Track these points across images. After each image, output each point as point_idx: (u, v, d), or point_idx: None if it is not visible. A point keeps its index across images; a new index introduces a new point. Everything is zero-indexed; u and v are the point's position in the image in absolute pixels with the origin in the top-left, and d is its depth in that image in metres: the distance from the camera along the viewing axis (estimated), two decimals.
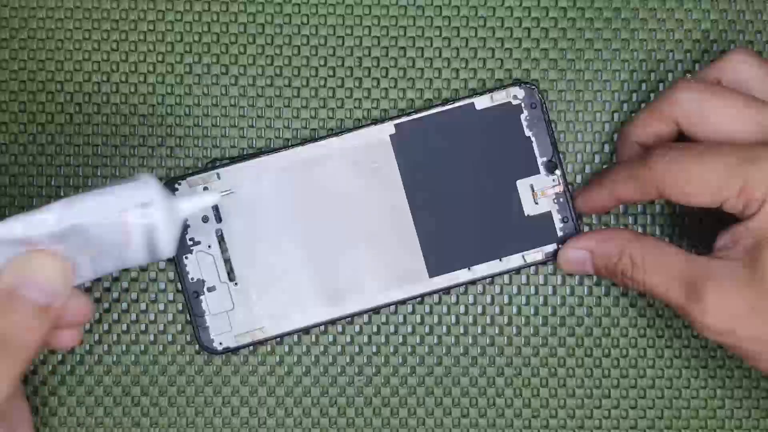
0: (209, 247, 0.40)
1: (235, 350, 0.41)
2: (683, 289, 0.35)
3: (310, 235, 0.40)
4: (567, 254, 0.39)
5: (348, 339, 0.42)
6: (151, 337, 0.42)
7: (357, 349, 0.42)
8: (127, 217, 0.31)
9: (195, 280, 0.40)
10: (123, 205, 0.31)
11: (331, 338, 0.42)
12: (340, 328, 0.42)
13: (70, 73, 0.42)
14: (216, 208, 0.40)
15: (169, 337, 0.42)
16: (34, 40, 0.42)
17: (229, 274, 0.40)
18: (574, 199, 0.40)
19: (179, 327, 0.42)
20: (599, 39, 0.42)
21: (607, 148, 0.42)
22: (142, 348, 0.42)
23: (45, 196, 0.42)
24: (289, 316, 0.40)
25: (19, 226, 0.31)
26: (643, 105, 0.42)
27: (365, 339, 0.41)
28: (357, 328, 0.42)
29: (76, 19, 0.42)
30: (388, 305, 0.40)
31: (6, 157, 0.42)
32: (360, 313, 0.40)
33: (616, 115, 0.42)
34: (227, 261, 0.40)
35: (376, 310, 0.41)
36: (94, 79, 0.42)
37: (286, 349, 0.42)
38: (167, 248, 0.32)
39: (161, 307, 0.42)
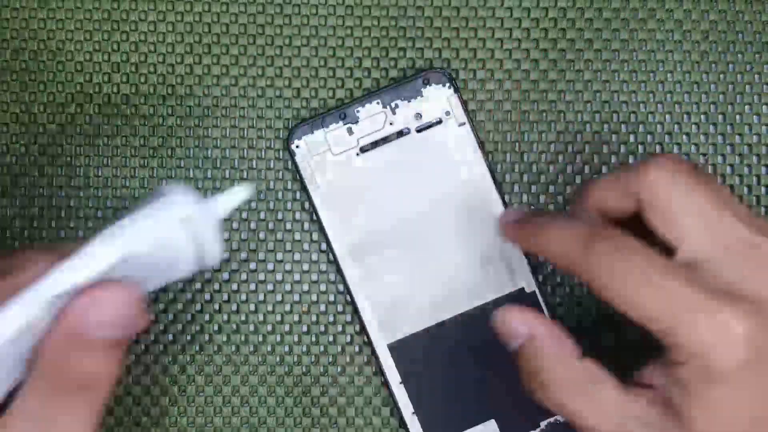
0: None
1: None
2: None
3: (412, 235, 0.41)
4: (506, 318, 0.35)
5: (348, 339, 0.42)
6: (153, 337, 0.42)
7: (357, 349, 0.42)
8: (171, 238, 0.29)
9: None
10: (165, 227, 0.29)
11: (331, 338, 0.42)
12: (340, 328, 0.42)
13: (71, 73, 0.42)
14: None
15: (170, 337, 0.42)
16: (35, 41, 0.42)
17: None
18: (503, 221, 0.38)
19: (180, 327, 0.42)
20: (599, 39, 0.42)
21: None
22: (143, 348, 0.42)
23: (46, 196, 0.42)
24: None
25: (64, 277, 0.28)
26: (642, 105, 0.42)
27: (365, 339, 0.41)
28: (357, 328, 0.42)
29: (77, 20, 0.42)
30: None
31: (8, 157, 0.42)
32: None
33: (615, 116, 0.42)
34: None
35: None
36: (95, 80, 0.42)
37: (286, 349, 0.42)
38: (215, 256, 0.31)
39: (161, 306, 0.42)
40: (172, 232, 0.29)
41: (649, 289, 0.31)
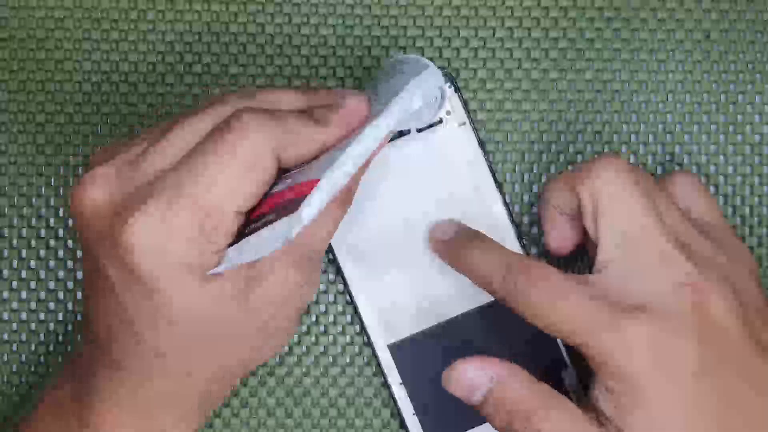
0: None
1: None
2: None
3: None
4: (463, 372, 0.36)
5: (348, 339, 0.42)
6: None
7: (357, 350, 0.42)
8: (433, 96, 0.37)
9: None
10: (435, 89, 0.35)
11: (331, 338, 0.42)
12: (340, 329, 0.42)
13: (69, 72, 0.42)
14: None
15: None
16: (33, 39, 0.42)
17: None
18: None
19: None
20: (600, 39, 0.42)
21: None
22: None
23: (45, 196, 0.42)
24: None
25: (399, 108, 0.34)
26: (643, 105, 0.42)
27: (365, 339, 0.41)
28: (357, 328, 0.42)
29: (76, 19, 0.42)
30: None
31: (5, 157, 0.42)
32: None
33: (616, 116, 0.42)
34: None
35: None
36: (93, 79, 0.42)
37: (286, 349, 0.42)
38: (435, 116, 0.40)
39: None
40: (437, 91, 0.37)
41: (559, 309, 0.34)
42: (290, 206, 0.32)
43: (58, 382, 0.38)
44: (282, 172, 0.35)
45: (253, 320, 0.35)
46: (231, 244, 0.33)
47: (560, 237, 0.38)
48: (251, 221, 0.34)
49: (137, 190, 0.33)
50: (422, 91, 0.34)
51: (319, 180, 0.32)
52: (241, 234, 0.33)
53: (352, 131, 0.35)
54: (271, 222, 0.32)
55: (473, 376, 0.35)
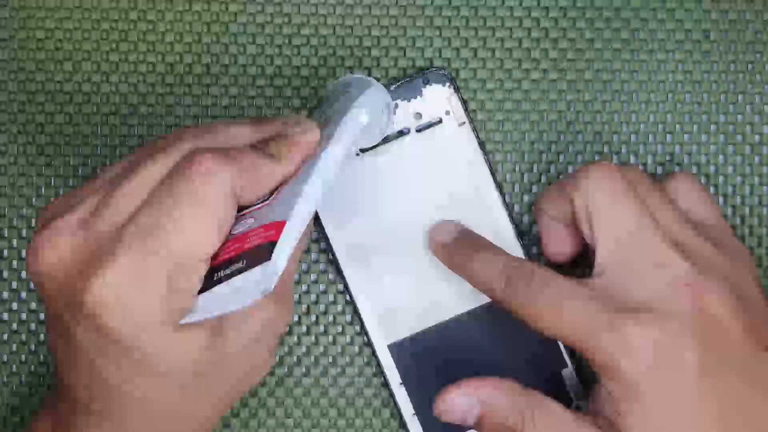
0: None
1: None
2: None
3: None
4: (451, 402, 0.36)
5: (348, 339, 0.42)
6: None
7: (357, 350, 0.42)
8: (380, 112, 0.37)
9: None
10: (383, 102, 0.37)
11: (331, 338, 0.42)
12: (340, 329, 0.42)
13: (69, 73, 0.42)
14: None
15: None
16: (33, 40, 0.42)
17: None
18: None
19: None
20: (600, 39, 0.42)
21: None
22: None
23: (45, 196, 0.42)
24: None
25: (349, 129, 0.35)
26: (643, 105, 0.42)
27: (365, 339, 0.41)
28: (357, 328, 0.42)
29: (76, 19, 0.42)
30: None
31: (5, 157, 0.42)
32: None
33: (616, 116, 0.42)
34: None
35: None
36: (93, 79, 0.42)
37: (286, 349, 0.42)
38: (385, 133, 0.39)
39: None
40: (383, 107, 0.37)
41: (560, 314, 0.34)
42: (259, 253, 0.32)
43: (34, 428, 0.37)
44: (240, 208, 0.34)
45: (232, 361, 0.35)
46: (201, 289, 0.33)
47: (558, 246, 0.39)
48: (218, 266, 0.33)
49: (99, 244, 0.32)
50: (368, 108, 0.35)
51: (284, 222, 0.32)
52: (209, 276, 0.33)
53: (308, 159, 0.35)
54: (242, 270, 0.32)
55: (462, 403, 0.35)
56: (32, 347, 0.42)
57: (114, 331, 0.32)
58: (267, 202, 0.34)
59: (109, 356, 0.33)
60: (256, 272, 0.31)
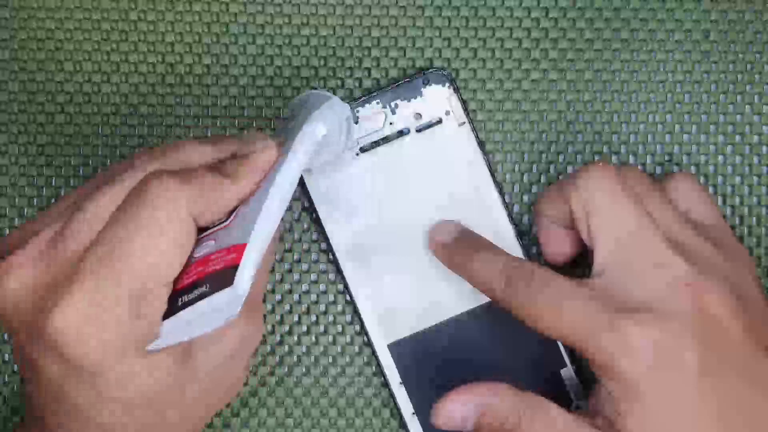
0: None
1: None
2: None
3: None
4: (448, 410, 0.36)
5: (348, 339, 0.42)
6: None
7: (357, 350, 0.42)
8: (337, 126, 0.36)
9: None
10: (340, 116, 0.36)
11: (330, 338, 0.42)
12: (340, 328, 0.42)
13: (69, 73, 0.42)
14: None
15: None
16: (33, 40, 0.42)
17: None
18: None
19: None
20: (599, 39, 0.42)
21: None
22: None
23: (45, 196, 0.42)
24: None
25: (303, 148, 0.34)
26: (643, 105, 0.42)
27: (365, 339, 0.41)
28: (357, 328, 0.42)
29: (76, 20, 0.42)
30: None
31: (6, 157, 0.42)
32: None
33: (615, 116, 0.42)
34: None
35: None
36: (94, 80, 0.42)
37: (286, 349, 0.42)
38: (346, 150, 0.39)
39: None
40: (342, 120, 0.36)
41: (560, 314, 0.34)
42: (223, 277, 0.32)
43: None
44: (200, 229, 0.34)
45: (203, 382, 0.35)
46: (165, 314, 0.33)
47: (557, 248, 0.39)
48: (182, 290, 0.33)
49: (59, 274, 0.32)
50: (324, 121, 0.34)
51: (245, 244, 0.32)
52: (174, 300, 0.33)
53: (265, 178, 0.34)
54: (206, 294, 0.32)
55: (459, 410, 0.35)
56: None
57: (79, 360, 0.32)
58: (227, 222, 0.34)
59: (76, 384, 0.32)
60: (220, 297, 0.31)
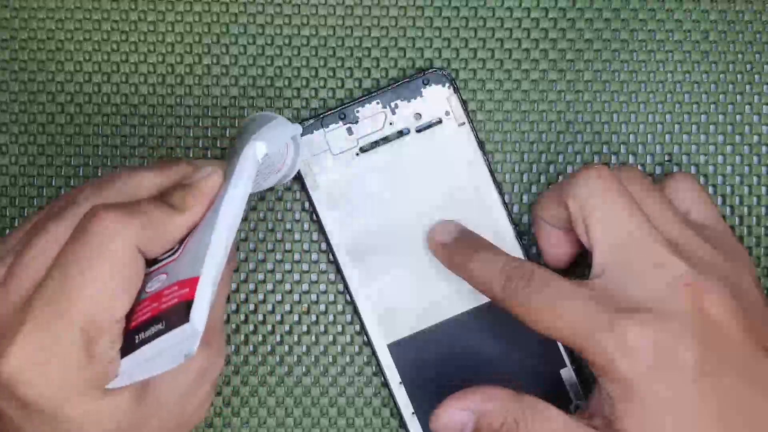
0: None
1: None
2: None
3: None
4: (446, 417, 0.36)
5: (348, 339, 0.42)
6: None
7: (357, 349, 0.42)
8: (283, 147, 0.36)
9: None
10: (285, 136, 0.36)
11: (330, 338, 0.42)
12: (339, 328, 0.42)
13: (70, 73, 0.42)
14: None
15: None
16: (34, 40, 0.42)
17: None
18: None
19: None
20: (599, 39, 0.42)
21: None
22: None
23: (46, 196, 0.42)
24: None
25: (245, 169, 0.34)
26: (642, 105, 0.42)
27: (365, 339, 0.41)
28: (357, 328, 0.42)
29: (77, 20, 0.42)
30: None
31: (6, 158, 0.42)
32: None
33: (615, 116, 0.42)
34: None
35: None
36: (94, 80, 0.42)
37: (287, 349, 0.42)
38: (293, 172, 0.38)
39: None
40: (286, 139, 0.36)
41: (559, 314, 0.34)
42: (177, 313, 0.31)
43: None
44: (150, 262, 0.34)
45: (165, 413, 0.34)
46: (123, 349, 0.32)
47: (556, 251, 0.39)
48: (139, 328, 0.32)
49: (8, 315, 0.32)
50: (265, 141, 0.34)
51: (197, 278, 0.31)
52: (131, 338, 0.32)
53: (212, 204, 0.34)
54: (163, 332, 0.31)
55: (456, 416, 0.35)
56: None
57: (36, 404, 0.31)
58: (177, 253, 0.34)
59: (38, 425, 0.32)
60: (176, 334, 0.31)
